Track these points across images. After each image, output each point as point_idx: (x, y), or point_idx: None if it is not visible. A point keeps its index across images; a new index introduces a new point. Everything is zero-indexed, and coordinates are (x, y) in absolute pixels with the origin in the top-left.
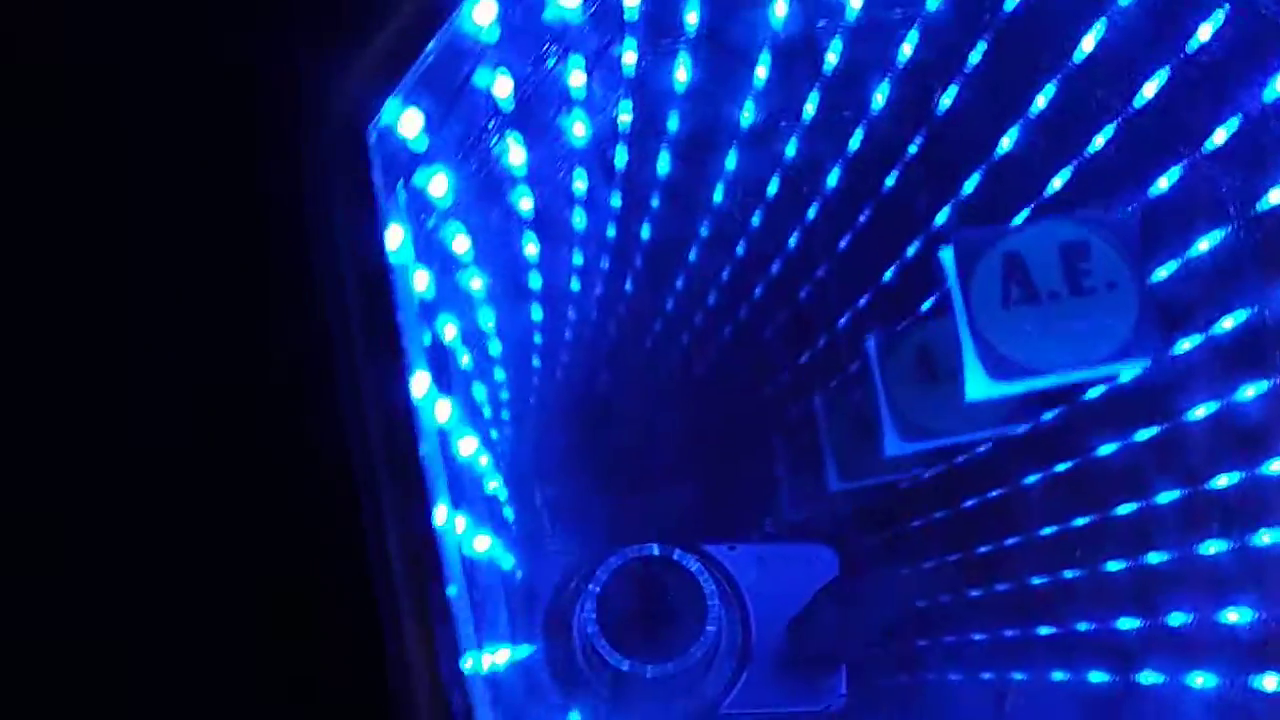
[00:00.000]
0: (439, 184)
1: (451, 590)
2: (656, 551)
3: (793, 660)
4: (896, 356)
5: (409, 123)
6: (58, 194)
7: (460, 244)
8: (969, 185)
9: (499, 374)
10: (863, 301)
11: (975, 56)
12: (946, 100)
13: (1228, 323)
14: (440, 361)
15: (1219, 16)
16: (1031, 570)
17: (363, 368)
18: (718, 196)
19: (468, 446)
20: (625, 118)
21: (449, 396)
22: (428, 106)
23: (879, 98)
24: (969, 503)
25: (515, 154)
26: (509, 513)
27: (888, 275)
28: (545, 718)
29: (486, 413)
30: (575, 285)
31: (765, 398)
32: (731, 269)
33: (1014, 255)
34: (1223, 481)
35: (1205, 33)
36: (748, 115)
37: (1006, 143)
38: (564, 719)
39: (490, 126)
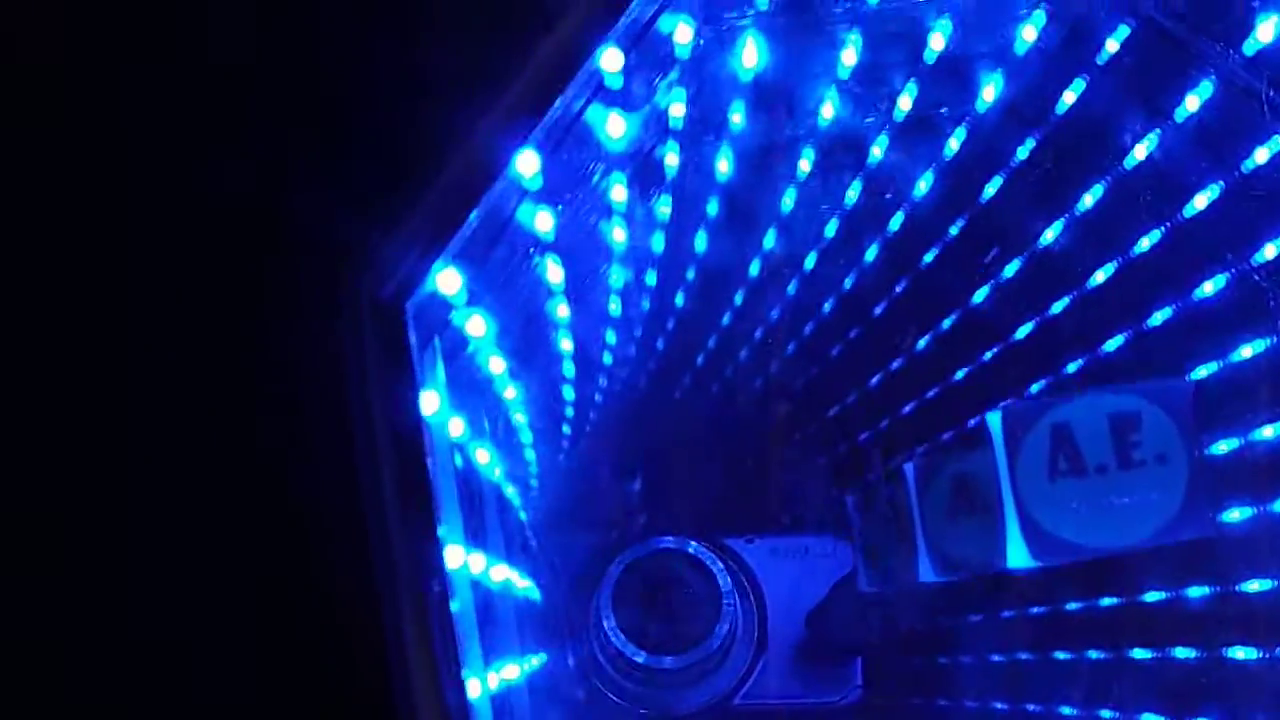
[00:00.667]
0: (476, 325)
1: (455, 605)
2: (672, 544)
3: (809, 652)
4: (935, 486)
5: (448, 281)
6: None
7: (497, 365)
8: (1010, 270)
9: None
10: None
11: (1023, 152)
12: (991, 190)
13: (1267, 431)
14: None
15: (1275, 142)
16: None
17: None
18: (754, 270)
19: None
20: (665, 209)
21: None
22: (468, 261)
23: (922, 185)
24: None
25: (554, 272)
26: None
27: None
28: None
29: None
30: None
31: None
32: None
33: (1062, 427)
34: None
35: (1262, 156)
36: (789, 202)
37: (1050, 235)
38: None
39: (531, 252)
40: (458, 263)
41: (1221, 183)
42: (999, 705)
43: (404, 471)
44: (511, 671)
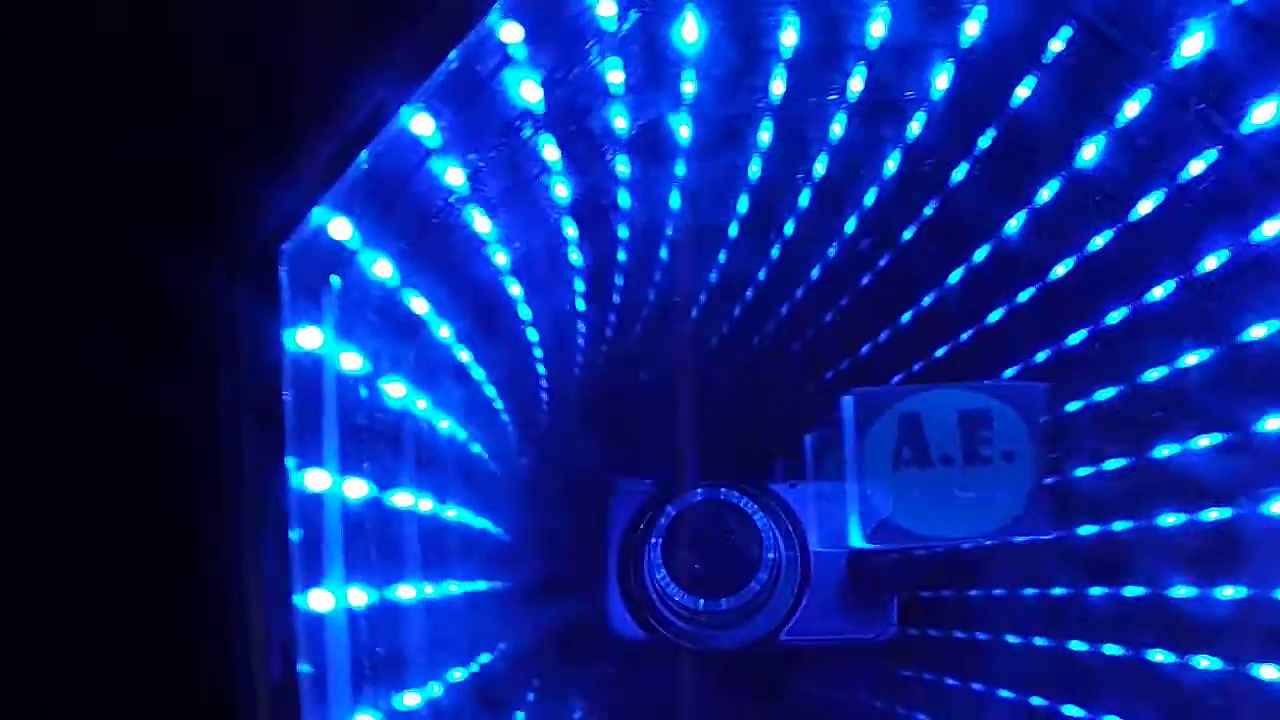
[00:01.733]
0: (382, 268)
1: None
2: (721, 494)
3: (849, 591)
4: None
5: (339, 228)
6: None
7: (419, 305)
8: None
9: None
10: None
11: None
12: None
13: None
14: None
15: (1210, 155)
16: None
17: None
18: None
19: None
20: (623, 169)
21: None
22: (371, 209)
23: (890, 164)
24: None
25: (480, 222)
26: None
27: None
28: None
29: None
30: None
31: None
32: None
33: (912, 417)
34: None
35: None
36: (755, 169)
37: (1014, 224)
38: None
39: (451, 202)
40: (357, 210)
41: (1164, 190)
42: (1040, 641)
43: (257, 397)
44: (406, 592)
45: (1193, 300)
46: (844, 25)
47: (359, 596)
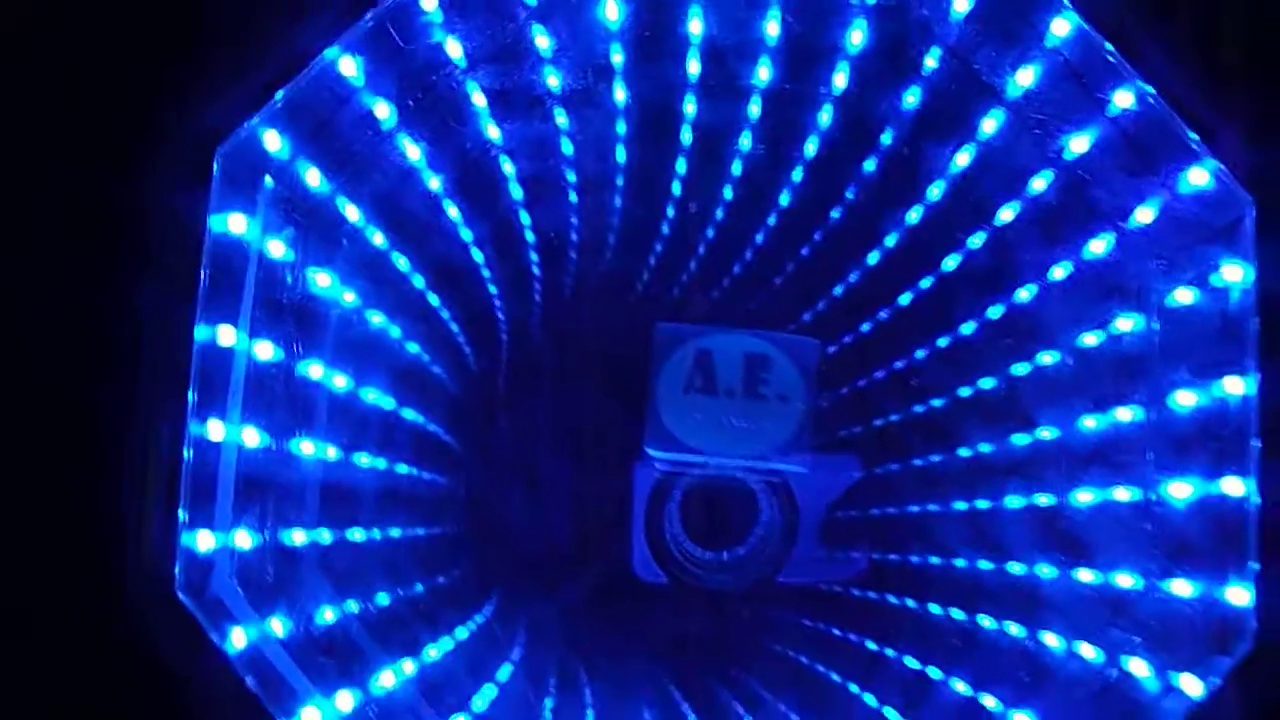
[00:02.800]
0: (312, 176)
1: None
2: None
3: (829, 539)
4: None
5: (271, 140)
6: None
7: (352, 213)
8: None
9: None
10: None
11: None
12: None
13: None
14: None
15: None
16: None
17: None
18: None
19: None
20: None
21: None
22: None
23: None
24: None
25: (411, 150)
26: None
27: None
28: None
29: None
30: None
31: None
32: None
33: (706, 352)
34: None
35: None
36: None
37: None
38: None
39: (383, 130)
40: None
41: (1019, 203)
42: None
43: (177, 265)
44: (298, 537)
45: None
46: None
47: (253, 437)
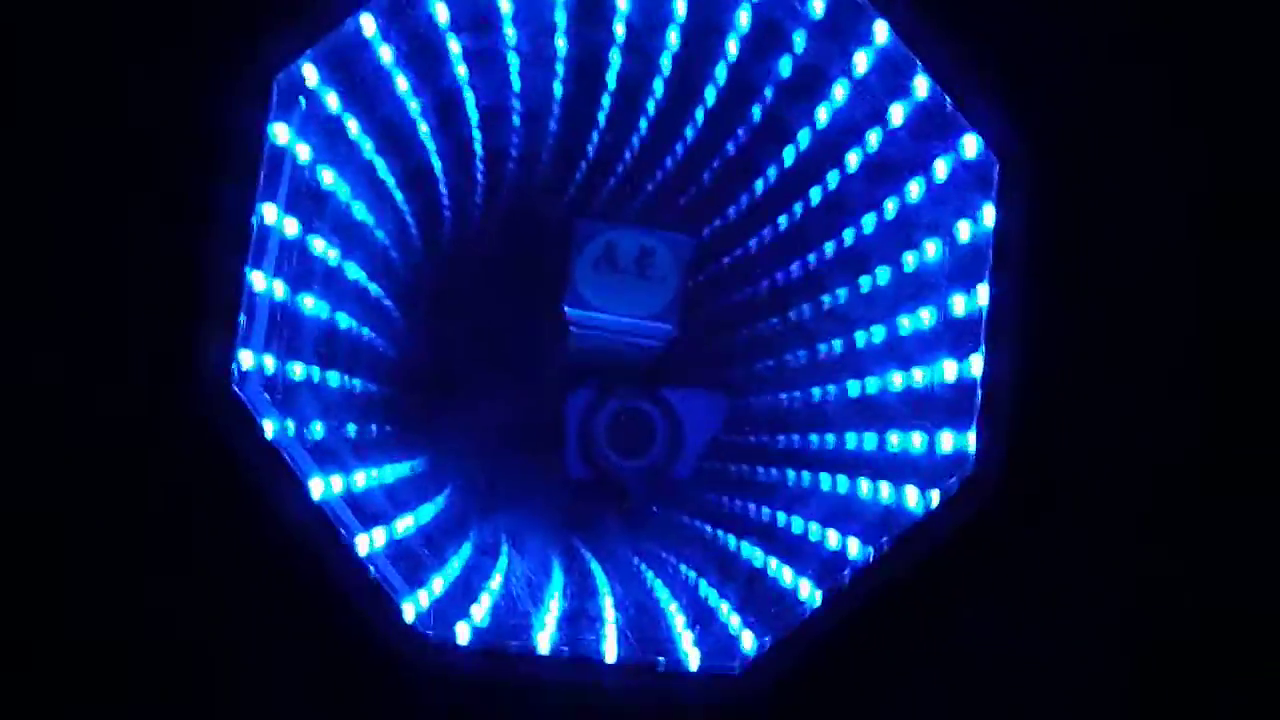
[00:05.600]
0: (331, 99)
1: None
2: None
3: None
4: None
5: (309, 73)
6: None
7: (353, 126)
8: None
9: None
10: None
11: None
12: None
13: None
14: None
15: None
16: None
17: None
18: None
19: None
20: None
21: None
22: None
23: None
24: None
25: (401, 83)
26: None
27: None
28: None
29: None
30: None
31: None
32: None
33: (613, 241)
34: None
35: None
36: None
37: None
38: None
39: (384, 68)
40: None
41: (859, 150)
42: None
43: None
44: (297, 370)
45: None
46: None
47: (279, 289)
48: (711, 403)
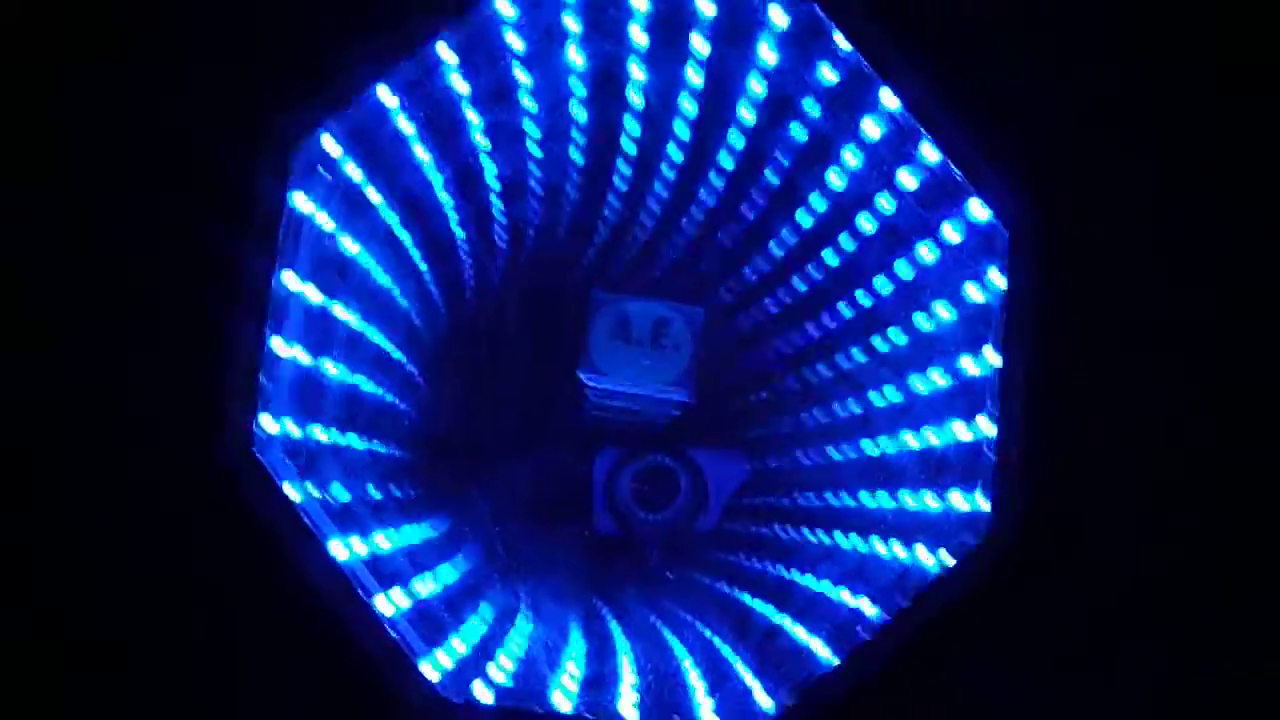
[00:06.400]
0: (352, 169)
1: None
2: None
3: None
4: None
5: (330, 145)
6: None
7: (374, 196)
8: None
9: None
10: None
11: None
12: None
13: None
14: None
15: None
16: None
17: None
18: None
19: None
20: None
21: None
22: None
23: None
24: None
25: (421, 154)
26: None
27: None
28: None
29: None
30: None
31: None
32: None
33: (625, 312)
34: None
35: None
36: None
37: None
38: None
39: (404, 138)
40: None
41: (871, 215)
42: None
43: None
44: (320, 434)
45: None
46: None
47: (303, 355)
48: (734, 460)
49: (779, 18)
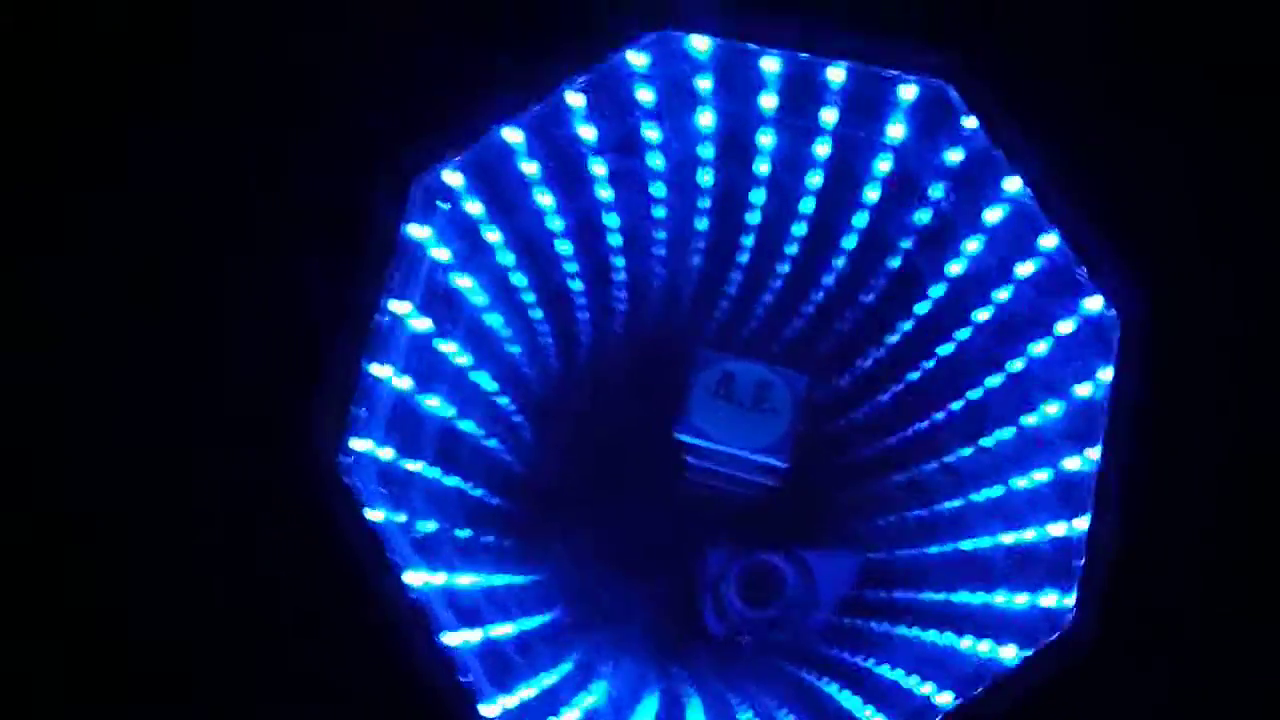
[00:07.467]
0: (473, 205)
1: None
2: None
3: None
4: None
5: (450, 178)
6: None
7: (493, 236)
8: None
9: None
10: None
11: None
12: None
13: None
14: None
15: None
16: None
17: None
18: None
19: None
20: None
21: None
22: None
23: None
24: None
25: (544, 199)
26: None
27: None
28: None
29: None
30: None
31: None
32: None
33: (730, 372)
34: None
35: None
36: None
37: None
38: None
39: (528, 181)
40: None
41: (991, 308)
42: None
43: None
44: (412, 465)
45: None
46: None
47: (404, 383)
48: (843, 558)
49: (908, 93)
